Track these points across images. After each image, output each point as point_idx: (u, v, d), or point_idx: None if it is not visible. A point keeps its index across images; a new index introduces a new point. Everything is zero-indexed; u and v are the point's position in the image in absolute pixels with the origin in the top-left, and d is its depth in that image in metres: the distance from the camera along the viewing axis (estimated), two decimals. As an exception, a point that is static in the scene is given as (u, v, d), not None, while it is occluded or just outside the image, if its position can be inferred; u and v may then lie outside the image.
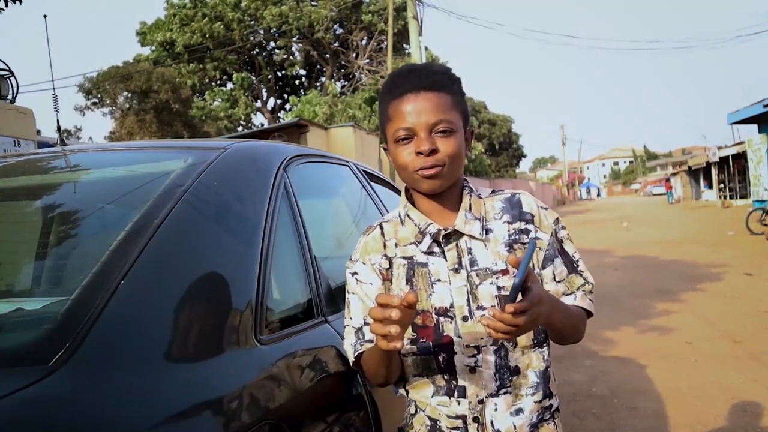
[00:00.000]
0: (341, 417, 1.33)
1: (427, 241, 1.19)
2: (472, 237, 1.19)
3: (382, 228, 1.27)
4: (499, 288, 1.16)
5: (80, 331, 0.88)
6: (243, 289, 1.19)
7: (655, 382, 4.25)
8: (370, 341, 1.19)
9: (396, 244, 1.23)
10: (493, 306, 1.15)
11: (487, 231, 1.20)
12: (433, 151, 1.13)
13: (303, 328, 1.37)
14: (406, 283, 1.19)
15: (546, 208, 1.25)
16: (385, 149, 1.26)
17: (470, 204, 1.22)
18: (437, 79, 1.17)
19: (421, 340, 1.18)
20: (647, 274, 9.10)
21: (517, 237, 1.20)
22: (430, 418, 1.21)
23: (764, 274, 8.33)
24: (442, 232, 1.19)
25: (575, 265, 1.24)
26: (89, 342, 0.87)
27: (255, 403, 1.07)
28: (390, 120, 1.18)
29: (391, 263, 1.23)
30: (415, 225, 1.22)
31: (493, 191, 1.27)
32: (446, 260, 1.18)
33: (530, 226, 1.21)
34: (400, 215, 1.26)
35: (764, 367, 4.40)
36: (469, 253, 1.18)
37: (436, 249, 1.20)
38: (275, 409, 1.11)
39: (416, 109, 1.14)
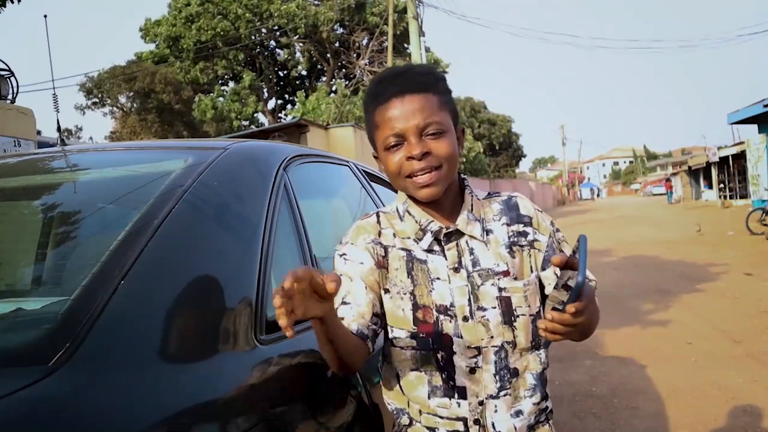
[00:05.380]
0: (341, 417, 1.33)
1: (428, 238, 1.18)
2: (473, 237, 1.18)
3: (378, 216, 1.24)
4: (500, 289, 1.15)
5: (80, 332, 0.87)
6: (243, 289, 1.19)
7: (655, 382, 4.25)
8: (341, 318, 1.11)
9: (394, 235, 1.21)
10: (495, 307, 1.15)
11: (488, 232, 1.19)
12: (426, 154, 1.11)
13: (303, 328, 1.37)
14: (408, 276, 1.18)
15: (541, 211, 1.26)
16: (375, 158, 1.23)
17: (472, 204, 1.21)
18: (421, 80, 1.14)
19: (420, 336, 1.16)
20: (647, 274, 9.09)
21: (516, 239, 1.20)
22: (428, 428, 1.19)
23: (764, 274, 8.32)
24: (444, 231, 1.18)
25: None
26: (89, 342, 0.87)
27: (255, 403, 1.07)
28: (378, 127, 1.16)
29: (386, 252, 1.20)
30: (416, 222, 1.20)
31: (489, 194, 1.26)
32: (446, 259, 1.17)
33: (528, 229, 1.21)
34: (398, 210, 1.23)
35: (764, 367, 4.40)
36: (471, 253, 1.17)
37: (436, 247, 1.18)
38: (275, 410, 1.11)
39: (404, 114, 1.11)
